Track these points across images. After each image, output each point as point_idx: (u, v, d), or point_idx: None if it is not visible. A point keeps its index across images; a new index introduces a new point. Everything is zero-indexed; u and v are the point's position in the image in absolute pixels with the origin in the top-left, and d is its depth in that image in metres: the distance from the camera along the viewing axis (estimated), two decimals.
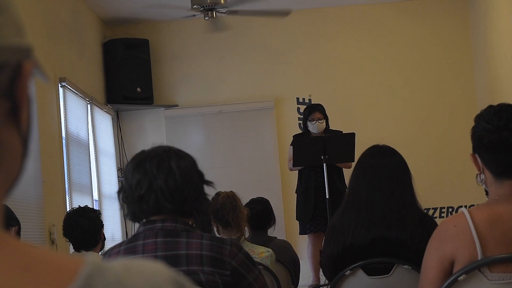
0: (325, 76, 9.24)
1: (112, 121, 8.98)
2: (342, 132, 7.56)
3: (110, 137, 8.83)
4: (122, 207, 2.54)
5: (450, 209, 8.95)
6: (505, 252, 2.36)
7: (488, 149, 2.47)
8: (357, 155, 3.60)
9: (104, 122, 8.60)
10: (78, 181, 7.10)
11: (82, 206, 4.82)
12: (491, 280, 2.39)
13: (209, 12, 7.86)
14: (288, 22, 9.09)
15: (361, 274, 3.21)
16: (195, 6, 7.83)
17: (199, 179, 2.51)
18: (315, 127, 7.50)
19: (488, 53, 8.30)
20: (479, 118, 2.52)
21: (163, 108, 9.24)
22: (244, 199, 4.58)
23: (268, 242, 4.87)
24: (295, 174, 7.78)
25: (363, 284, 3.20)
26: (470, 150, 2.55)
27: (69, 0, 7.74)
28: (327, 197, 7.08)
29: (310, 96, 9.21)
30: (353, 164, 3.62)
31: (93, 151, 7.86)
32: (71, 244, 4.76)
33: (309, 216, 7.43)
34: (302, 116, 7.99)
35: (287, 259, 4.79)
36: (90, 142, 7.77)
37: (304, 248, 7.89)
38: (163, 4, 7.96)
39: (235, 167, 9.06)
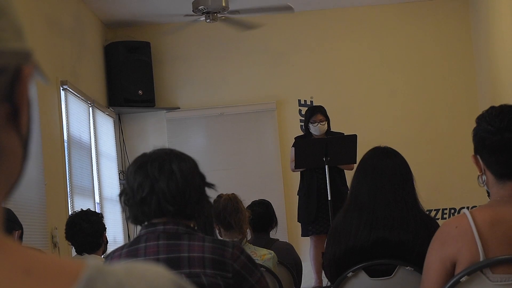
0: (326, 78, 9.24)
1: (114, 124, 8.98)
2: (343, 134, 7.56)
3: (111, 140, 8.83)
4: (123, 210, 2.54)
5: (452, 211, 8.94)
6: (507, 253, 2.36)
7: (490, 150, 2.47)
8: (359, 156, 3.59)
9: (106, 125, 8.61)
10: (80, 184, 7.10)
11: (84, 209, 4.82)
12: (493, 281, 2.38)
13: (211, 14, 7.86)
14: (289, 24, 9.10)
15: (363, 276, 3.20)
16: (197, 8, 7.83)
17: (201, 182, 2.50)
18: (317, 129, 7.50)
19: (489, 54, 8.30)
20: (480, 120, 2.52)
21: (165, 111, 9.24)
22: (246, 201, 4.58)
23: (270, 244, 4.87)
24: (297, 176, 7.78)
25: (365, 286, 3.20)
26: (472, 152, 2.54)
27: (71, 3, 7.75)
28: (329, 199, 7.08)
29: (311, 98, 9.21)
30: (355, 165, 3.62)
31: (95, 154, 7.87)
32: (73, 248, 4.76)
33: (312, 218, 7.42)
34: (303, 118, 7.98)
35: (289, 261, 4.78)
36: (92, 145, 7.78)
37: (306, 250, 7.89)
38: (164, 7, 7.97)
39: (237, 169, 9.06)
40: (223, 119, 9.23)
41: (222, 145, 9.16)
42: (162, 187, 2.42)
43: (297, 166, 7.33)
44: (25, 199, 5.52)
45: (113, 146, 8.86)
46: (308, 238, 7.61)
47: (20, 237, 3.94)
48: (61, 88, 6.88)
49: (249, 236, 4.51)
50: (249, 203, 5.07)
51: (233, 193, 4.26)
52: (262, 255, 4.12)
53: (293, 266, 4.81)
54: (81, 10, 8.13)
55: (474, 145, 2.53)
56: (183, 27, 8.43)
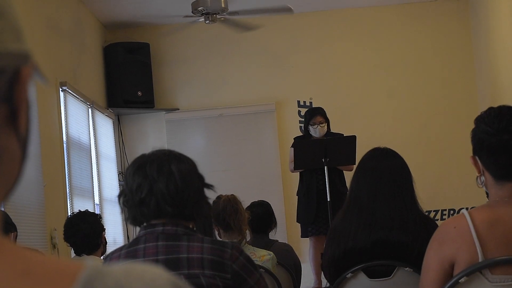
0: (325, 79, 9.24)
1: (113, 125, 8.98)
2: (343, 135, 7.56)
3: (111, 141, 8.83)
4: (122, 211, 2.54)
5: (452, 211, 8.94)
6: (505, 254, 2.36)
7: (489, 151, 2.47)
8: (358, 157, 3.59)
9: (105, 126, 8.61)
10: (79, 185, 7.10)
11: (82, 210, 4.82)
12: (492, 282, 2.38)
13: (210, 15, 7.86)
14: (288, 25, 9.10)
15: (362, 277, 3.21)
16: (196, 9, 7.82)
17: (200, 183, 2.51)
18: (317, 131, 7.49)
19: (489, 55, 8.30)
20: (479, 121, 2.52)
21: (164, 112, 9.24)
22: (245, 202, 4.58)
23: (269, 245, 4.87)
24: (296, 176, 7.78)
25: (365, 287, 3.21)
26: (471, 153, 2.55)
27: (70, 4, 7.75)
28: (328, 199, 7.08)
29: (311, 99, 9.21)
30: (354, 166, 3.62)
31: (94, 155, 7.87)
32: (72, 249, 4.76)
33: (311, 218, 7.42)
34: (303, 119, 7.98)
35: (289, 262, 4.79)
36: (91, 146, 7.78)
37: (305, 251, 7.89)
38: (163, 8, 7.97)
39: (236, 171, 9.06)
40: (222, 120, 9.23)
41: (221, 146, 9.16)
42: (161, 188, 2.42)
43: (296, 167, 7.33)
44: (24, 200, 5.52)
45: (112, 147, 8.86)
46: (308, 239, 7.61)
47: (15, 239, 3.95)
48: (60, 89, 6.88)
49: (248, 237, 4.51)
50: (249, 204, 5.07)
51: (232, 194, 4.26)
52: (261, 256, 4.12)
53: (292, 267, 4.81)
54: (80, 11, 8.13)
55: (473, 146, 2.53)
56: (183, 28, 8.43)
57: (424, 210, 3.32)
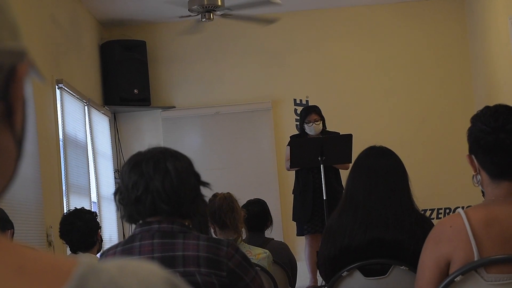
0: (322, 77, 9.24)
1: (110, 123, 8.98)
2: (339, 133, 7.56)
3: (107, 139, 8.83)
4: (118, 209, 2.53)
5: (448, 210, 8.95)
6: (501, 253, 2.36)
7: (485, 150, 2.47)
8: (354, 156, 3.59)
9: (102, 123, 8.60)
10: (75, 183, 7.09)
11: (78, 207, 4.82)
12: (487, 280, 2.39)
13: (207, 14, 7.85)
14: (285, 24, 9.09)
15: (358, 275, 3.21)
16: (193, 7, 7.81)
17: (196, 180, 2.50)
18: (312, 129, 7.50)
19: (485, 54, 8.31)
20: (475, 119, 2.52)
21: (160, 110, 9.24)
22: (241, 200, 4.58)
23: (265, 243, 4.87)
24: (292, 175, 7.78)
25: (360, 285, 3.21)
26: (467, 151, 2.55)
27: (66, 2, 7.74)
28: (324, 198, 7.09)
29: (307, 97, 9.21)
30: (350, 165, 3.63)
31: (91, 153, 7.86)
32: (68, 246, 4.76)
33: (307, 217, 7.43)
34: (299, 118, 7.99)
35: (285, 260, 4.79)
36: (87, 143, 7.77)
37: (301, 249, 7.89)
38: (160, 6, 7.95)
39: (232, 169, 9.06)
40: (218, 118, 9.23)
41: (217, 144, 9.16)
42: (157, 186, 2.42)
43: (292, 165, 7.33)
44: (21, 197, 5.51)
45: (108, 145, 8.85)
46: (303, 237, 7.61)
47: (11, 236, 3.95)
48: (56, 86, 6.87)
49: (244, 235, 4.52)
50: (245, 202, 5.08)
51: (228, 192, 4.26)
52: (257, 254, 4.12)
53: (288, 265, 4.81)
54: (77, 9, 8.12)
55: (469, 144, 2.53)
56: (179, 26, 8.42)
57: (420, 209, 3.32)
